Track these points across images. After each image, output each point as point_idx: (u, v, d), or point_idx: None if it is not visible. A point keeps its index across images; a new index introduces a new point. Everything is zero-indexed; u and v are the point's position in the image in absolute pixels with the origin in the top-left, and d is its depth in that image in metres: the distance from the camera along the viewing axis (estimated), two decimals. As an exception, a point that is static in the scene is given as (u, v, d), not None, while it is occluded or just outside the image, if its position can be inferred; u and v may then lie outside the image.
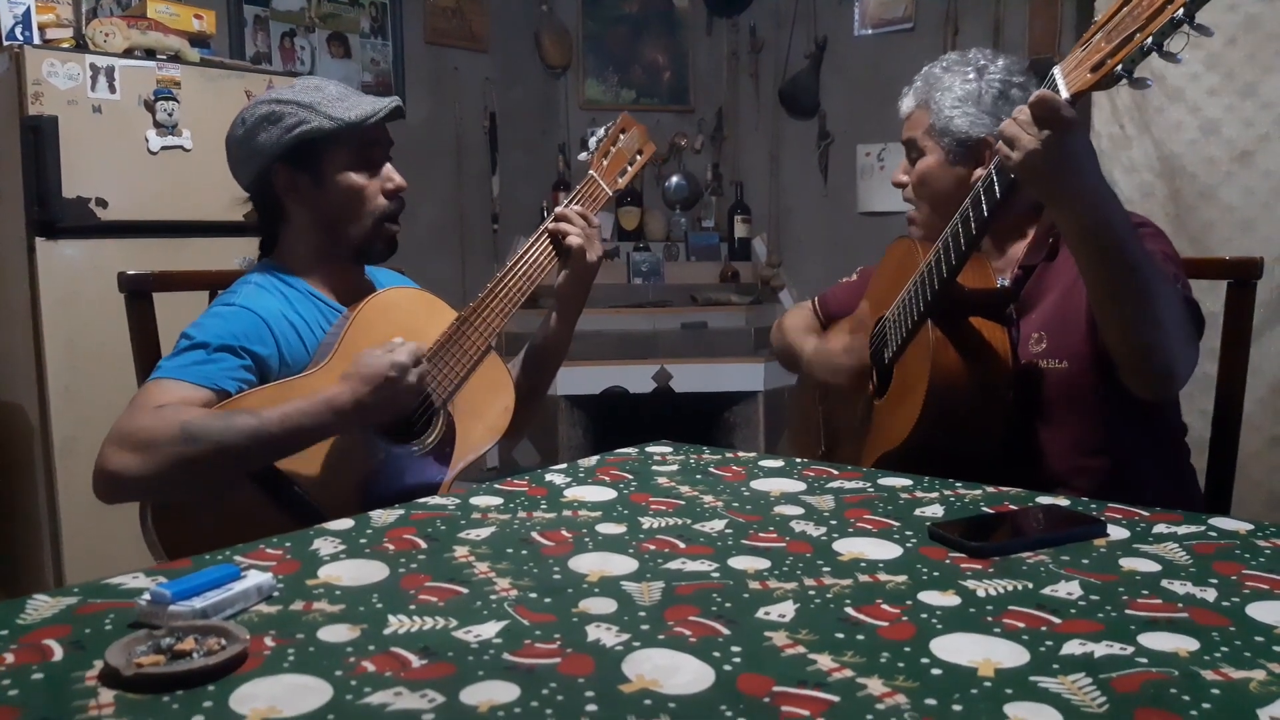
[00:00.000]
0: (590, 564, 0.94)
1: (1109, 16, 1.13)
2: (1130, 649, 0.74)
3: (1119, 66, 1.10)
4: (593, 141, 1.70)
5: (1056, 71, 1.18)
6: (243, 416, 1.30)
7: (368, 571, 0.93)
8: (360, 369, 1.34)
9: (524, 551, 0.98)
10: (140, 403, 1.32)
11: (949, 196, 1.48)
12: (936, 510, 1.12)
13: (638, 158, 1.72)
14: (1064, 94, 1.16)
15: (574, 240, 1.58)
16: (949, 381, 1.38)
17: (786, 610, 0.82)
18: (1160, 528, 1.05)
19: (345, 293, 1.54)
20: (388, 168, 1.53)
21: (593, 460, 1.39)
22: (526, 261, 1.57)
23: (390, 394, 1.34)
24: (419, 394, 1.40)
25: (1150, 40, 1.07)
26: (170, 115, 2.66)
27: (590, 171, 1.66)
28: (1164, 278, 1.26)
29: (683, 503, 1.16)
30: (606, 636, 0.77)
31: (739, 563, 0.94)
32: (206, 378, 1.34)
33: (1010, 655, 0.73)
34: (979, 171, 1.47)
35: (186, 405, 1.30)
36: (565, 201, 1.63)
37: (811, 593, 0.86)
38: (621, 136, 1.71)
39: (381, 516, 1.11)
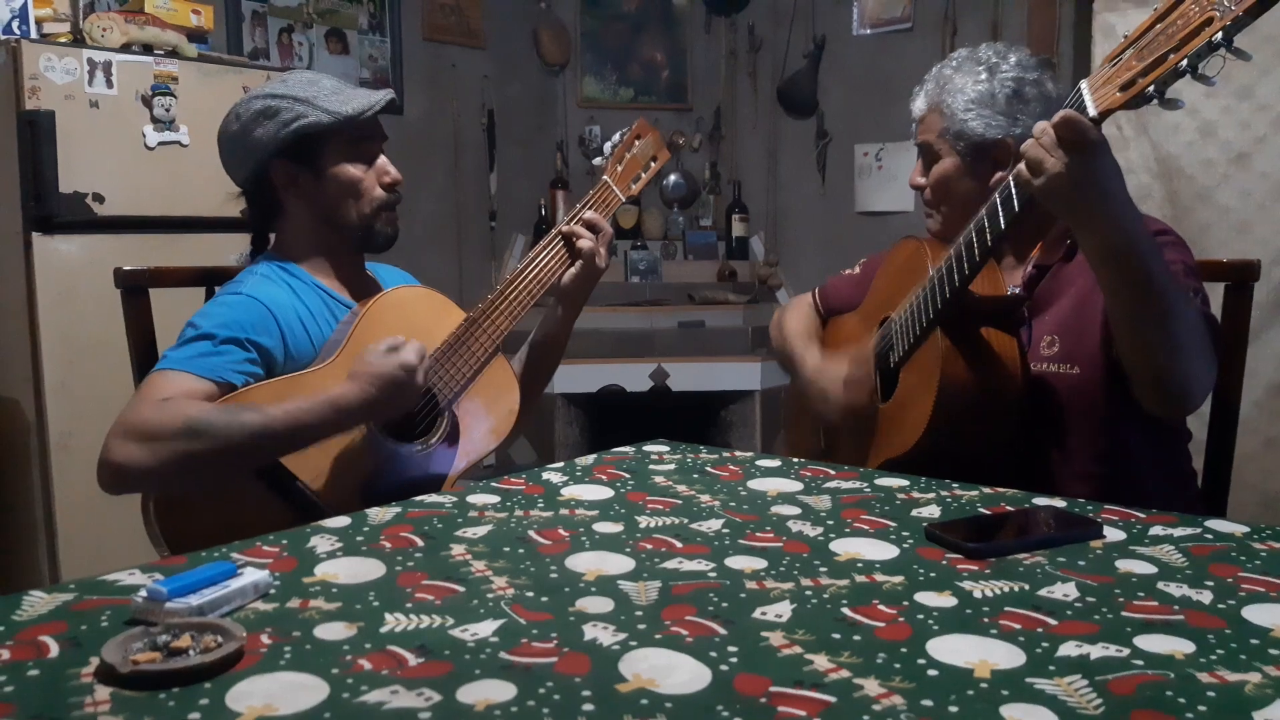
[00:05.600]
0: (587, 563, 0.94)
1: (1140, 33, 1.09)
2: (1126, 651, 0.74)
3: (1150, 87, 1.07)
4: (608, 147, 1.69)
5: (1084, 86, 1.14)
6: (248, 413, 1.29)
7: (364, 569, 0.93)
8: (366, 367, 1.34)
9: (521, 550, 0.98)
10: (145, 394, 1.31)
11: (967, 200, 1.45)
12: (933, 511, 1.12)
13: (651, 164, 1.71)
14: (1091, 111, 1.12)
15: (585, 244, 1.58)
16: (958, 391, 1.37)
17: (783, 610, 0.82)
18: (1156, 529, 1.05)
19: (348, 285, 1.55)
20: (383, 160, 1.53)
21: (590, 459, 1.39)
22: (537, 266, 1.57)
23: (395, 392, 1.34)
24: (423, 393, 1.40)
25: (1185, 62, 1.04)
26: (168, 111, 2.66)
27: (604, 177, 1.66)
28: (1186, 298, 1.24)
29: (680, 502, 1.16)
30: (603, 636, 0.77)
31: (736, 562, 0.94)
32: (212, 370, 1.34)
33: (1006, 656, 0.73)
34: (998, 174, 1.45)
35: (191, 399, 1.30)
36: (579, 206, 1.62)
37: (808, 593, 0.86)
38: (636, 143, 1.70)
39: (378, 514, 1.11)
